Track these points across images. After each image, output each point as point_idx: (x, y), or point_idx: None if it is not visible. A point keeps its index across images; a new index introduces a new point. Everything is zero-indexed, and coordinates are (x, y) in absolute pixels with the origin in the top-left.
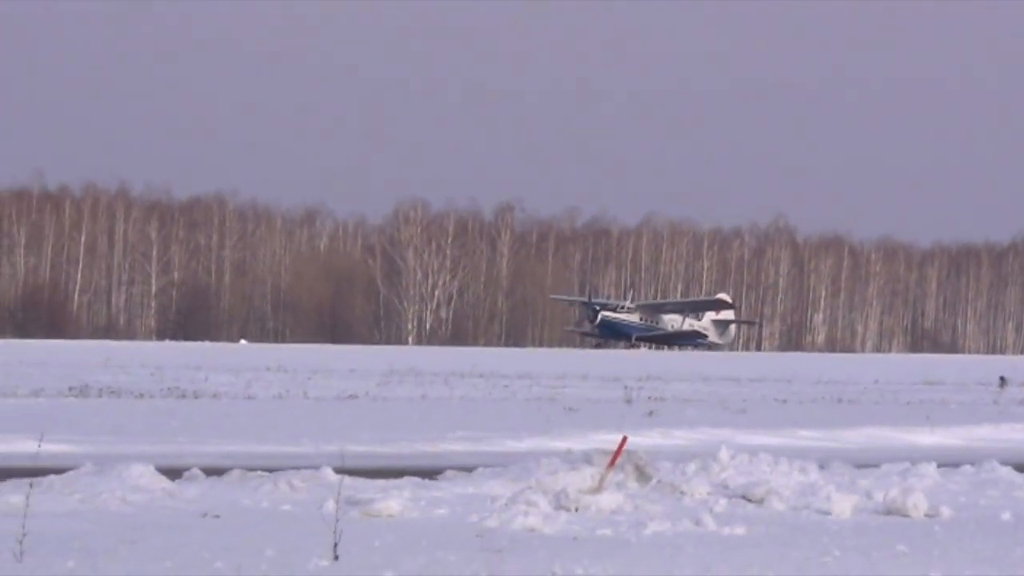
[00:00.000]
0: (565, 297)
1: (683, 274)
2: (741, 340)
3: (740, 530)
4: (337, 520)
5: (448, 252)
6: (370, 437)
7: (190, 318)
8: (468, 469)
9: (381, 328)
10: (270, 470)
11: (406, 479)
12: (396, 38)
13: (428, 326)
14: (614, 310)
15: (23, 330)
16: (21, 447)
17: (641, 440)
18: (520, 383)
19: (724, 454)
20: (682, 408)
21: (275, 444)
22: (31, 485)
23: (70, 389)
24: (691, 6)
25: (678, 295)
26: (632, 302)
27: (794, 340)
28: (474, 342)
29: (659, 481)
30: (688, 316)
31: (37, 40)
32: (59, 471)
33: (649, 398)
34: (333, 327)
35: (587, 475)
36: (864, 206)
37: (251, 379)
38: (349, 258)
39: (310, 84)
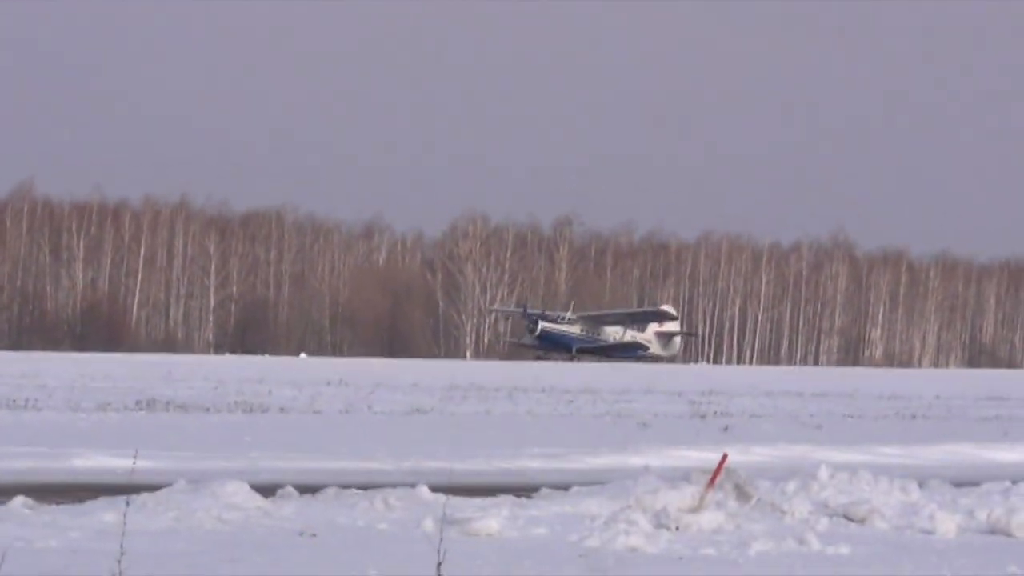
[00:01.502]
0: (503, 308)
1: (741, 289)
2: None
3: (845, 549)
4: (441, 540)
5: (506, 266)
6: (447, 453)
7: (248, 331)
8: (563, 487)
9: (439, 342)
10: (363, 487)
11: (502, 497)
12: (453, 52)
13: (486, 340)
14: (554, 321)
15: (82, 343)
16: (100, 462)
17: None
18: (584, 398)
19: (823, 472)
20: (755, 423)
21: (349, 460)
22: (127, 503)
23: (137, 403)
24: (754, 20)
25: (736, 310)
26: (572, 313)
27: (851, 355)
28: (532, 356)
29: (759, 500)
30: (629, 328)
31: (97, 54)
32: (150, 488)
33: (716, 413)
34: (391, 341)
35: (687, 493)
36: (922, 221)
37: (314, 393)
38: (407, 272)
39: (369, 100)
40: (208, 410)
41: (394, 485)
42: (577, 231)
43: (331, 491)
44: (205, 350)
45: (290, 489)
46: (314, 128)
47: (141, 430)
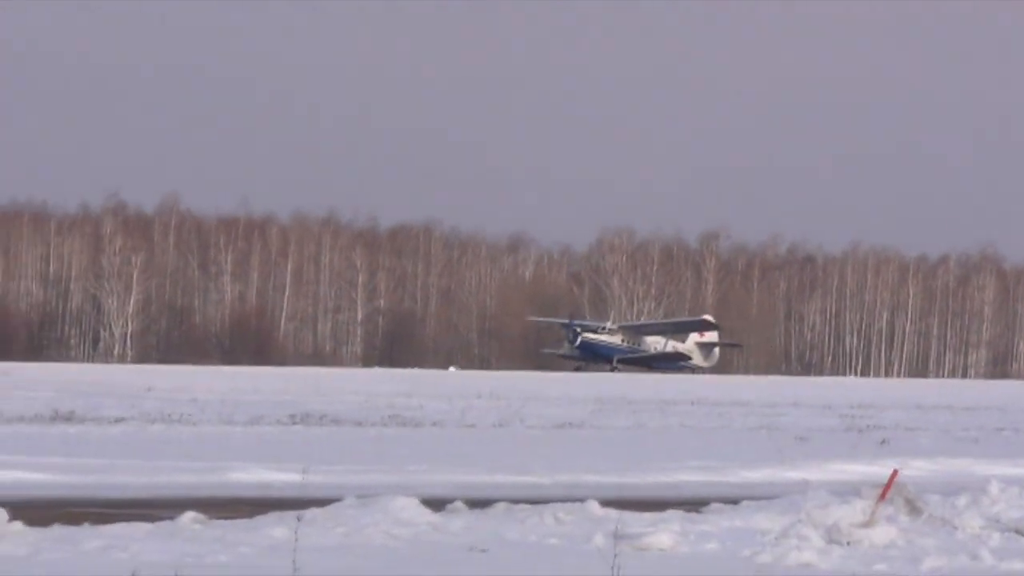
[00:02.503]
0: (545, 319)
1: (888, 301)
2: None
3: (1019, 565)
4: (616, 555)
5: (653, 280)
6: (604, 467)
7: (396, 345)
8: (732, 501)
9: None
10: (532, 502)
11: (671, 512)
12: (596, 67)
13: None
14: (595, 331)
15: (230, 357)
16: (260, 476)
17: (881, 471)
18: (735, 411)
19: (994, 487)
20: (910, 437)
21: (506, 474)
22: (298, 519)
23: (291, 417)
24: (886, 30)
25: (883, 323)
26: (613, 323)
27: (1000, 367)
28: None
29: (929, 515)
30: (671, 338)
31: (245, 68)
32: (315, 503)
33: (870, 426)
34: (539, 354)
35: (858, 508)
36: None
37: (465, 407)
38: (554, 285)
39: (515, 115)
40: (361, 424)
41: (562, 500)
42: (724, 244)
43: (501, 506)
44: (353, 364)
45: (459, 504)
46: (460, 142)
47: (297, 444)
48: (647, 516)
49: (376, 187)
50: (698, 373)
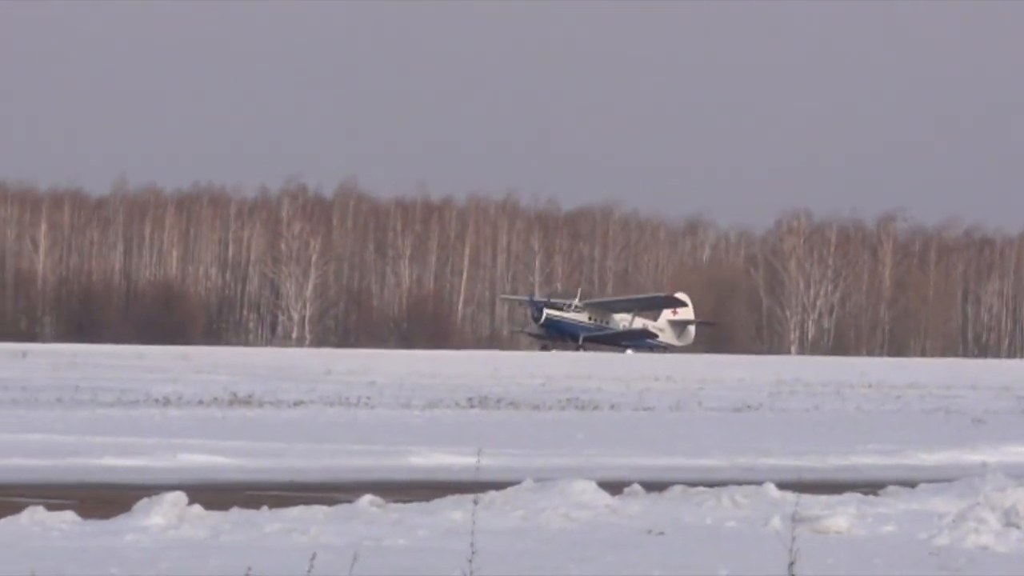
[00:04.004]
0: (513, 296)
1: None
2: None
3: None
4: (793, 538)
5: (829, 262)
6: (783, 450)
7: None
8: (909, 484)
9: (763, 338)
10: (703, 484)
11: (848, 495)
12: (760, 50)
13: (810, 336)
14: (560, 309)
15: (407, 340)
16: (437, 460)
17: None
18: (911, 393)
19: None
20: None
21: (683, 457)
22: (475, 502)
23: (468, 400)
24: None
25: None
26: (580, 300)
27: None
28: (856, 352)
29: None
30: (641, 315)
31: (425, 56)
32: (493, 486)
33: None
34: (715, 336)
35: None
36: None
37: (642, 389)
38: (732, 268)
39: (688, 99)
40: (538, 407)
41: (738, 482)
42: (901, 226)
43: (677, 489)
44: (530, 347)
45: (636, 487)
46: (636, 125)
47: (474, 427)
48: (824, 499)
49: (554, 170)
50: (669, 352)
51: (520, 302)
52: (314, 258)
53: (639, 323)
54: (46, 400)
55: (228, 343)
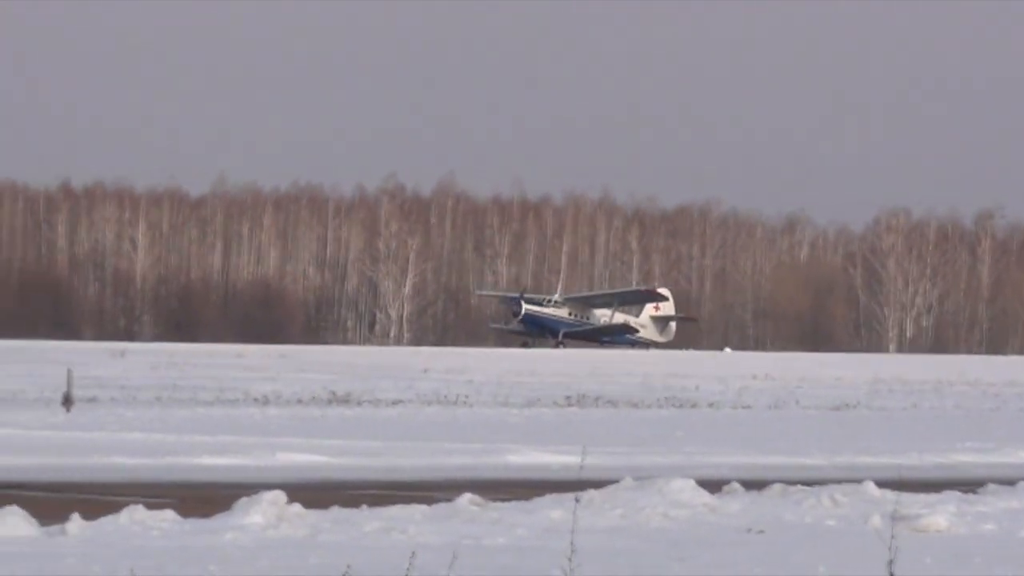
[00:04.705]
0: (492, 292)
1: None
2: None
3: None
4: (892, 537)
5: (928, 260)
6: (880, 448)
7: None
8: (1009, 482)
9: (861, 336)
10: (808, 483)
11: (947, 493)
12: (884, 50)
13: (908, 334)
14: (539, 304)
15: (505, 339)
16: (535, 458)
17: None
18: (1010, 391)
19: None
20: None
21: (782, 455)
22: (576, 500)
23: (567, 399)
24: None
25: None
26: (560, 295)
27: None
28: (954, 350)
29: None
30: (621, 310)
31: (520, 58)
32: (592, 484)
33: None
34: (813, 335)
35: None
36: None
37: (741, 388)
38: (830, 266)
39: (785, 95)
40: (637, 405)
41: (838, 481)
42: (999, 224)
43: (777, 488)
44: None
45: (736, 485)
46: (728, 123)
47: (573, 426)
48: (923, 497)
49: (651, 167)
50: (651, 348)
51: (499, 298)
52: (412, 257)
53: (620, 318)
54: (145, 399)
55: (326, 342)
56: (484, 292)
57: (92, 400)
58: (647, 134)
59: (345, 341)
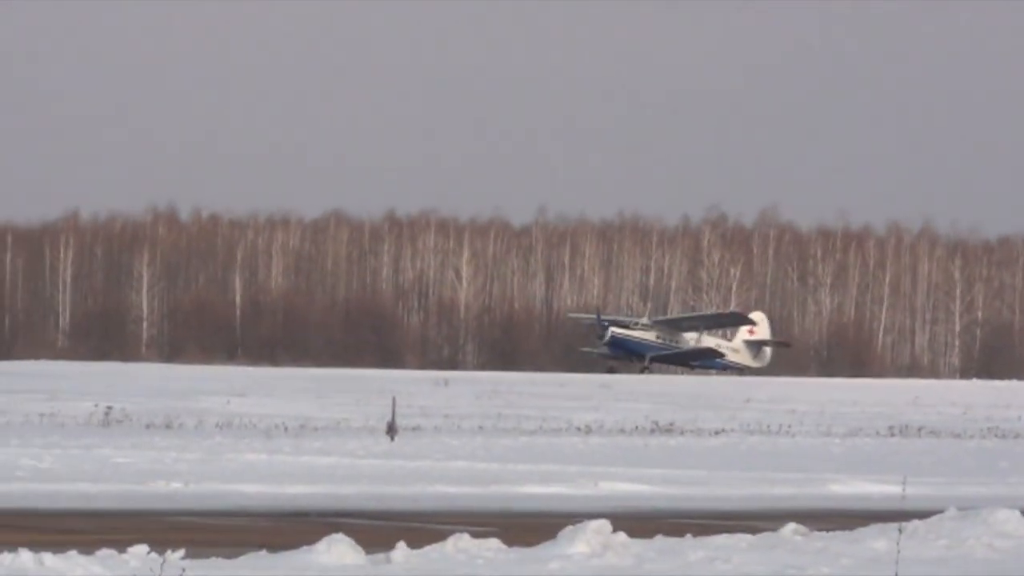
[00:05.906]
0: (582, 315)
1: None
2: None
3: None
4: None
5: None
6: None
7: (993, 357)
8: None
9: None
10: None
11: None
12: None
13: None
14: (627, 327)
15: (828, 368)
16: (858, 488)
17: None
18: None
19: None
20: None
21: None
22: (900, 531)
23: (889, 429)
24: None
25: None
26: (648, 318)
27: None
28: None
29: None
30: (707, 332)
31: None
32: (916, 515)
33: None
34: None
35: None
36: None
37: None
38: None
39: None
40: (959, 436)
41: None
42: None
43: None
44: (950, 375)
45: None
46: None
47: (895, 456)
48: None
49: (974, 197)
50: (746, 374)
51: (589, 321)
52: (734, 286)
53: (710, 342)
54: (468, 428)
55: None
56: (575, 315)
57: (416, 429)
58: (969, 163)
59: (667, 371)
